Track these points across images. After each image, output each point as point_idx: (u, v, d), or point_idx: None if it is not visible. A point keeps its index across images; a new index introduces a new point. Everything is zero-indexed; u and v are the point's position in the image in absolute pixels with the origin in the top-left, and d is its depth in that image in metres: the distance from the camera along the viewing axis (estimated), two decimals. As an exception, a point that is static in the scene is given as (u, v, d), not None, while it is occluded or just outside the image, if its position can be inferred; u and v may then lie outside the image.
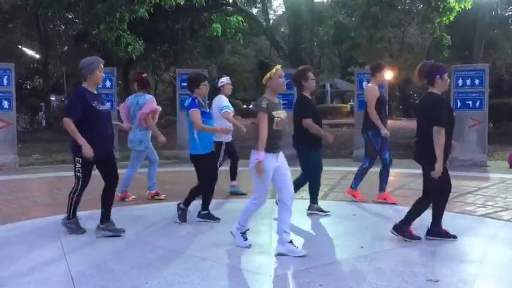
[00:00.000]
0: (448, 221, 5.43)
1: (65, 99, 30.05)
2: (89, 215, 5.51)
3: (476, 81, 10.59)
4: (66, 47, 28.81)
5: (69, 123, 4.66)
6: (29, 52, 28.80)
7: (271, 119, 4.27)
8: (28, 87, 31.95)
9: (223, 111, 6.69)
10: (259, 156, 4.19)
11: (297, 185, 5.60)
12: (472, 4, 13.93)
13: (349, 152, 12.21)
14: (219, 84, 6.99)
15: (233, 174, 7.30)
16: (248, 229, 4.64)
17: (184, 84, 11.77)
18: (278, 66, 4.38)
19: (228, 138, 6.78)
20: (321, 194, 6.79)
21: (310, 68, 5.93)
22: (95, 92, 4.90)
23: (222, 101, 6.83)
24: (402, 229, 4.73)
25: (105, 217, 4.99)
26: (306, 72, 5.70)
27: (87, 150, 4.64)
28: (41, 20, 24.95)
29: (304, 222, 5.57)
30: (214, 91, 7.05)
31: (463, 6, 13.44)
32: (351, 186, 6.70)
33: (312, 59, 16.07)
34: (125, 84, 24.34)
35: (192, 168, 5.56)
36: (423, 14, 19.22)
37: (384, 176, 6.52)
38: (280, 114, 4.36)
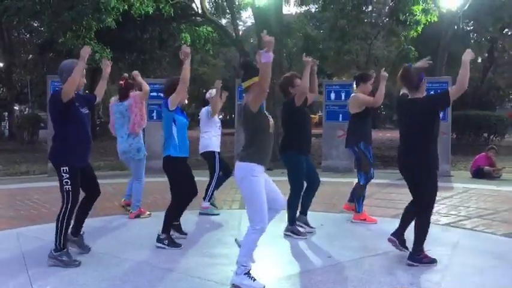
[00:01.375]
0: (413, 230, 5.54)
1: (29, 109, 29.39)
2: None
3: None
4: (30, 56, 28.23)
5: (70, 79, 4.23)
6: (-8, 60, 28.07)
7: (266, 120, 3.87)
8: (-10, 96, 31.16)
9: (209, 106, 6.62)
10: (266, 55, 3.58)
11: (291, 204, 5.35)
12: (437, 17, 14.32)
13: (317, 162, 12.30)
14: (207, 96, 6.79)
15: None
16: (250, 268, 3.82)
17: (153, 94, 11.69)
18: None
19: (216, 147, 6.61)
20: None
21: (297, 74, 5.54)
22: (73, 95, 4.42)
23: (205, 110, 6.73)
24: (418, 257, 4.39)
25: (76, 231, 4.69)
26: (293, 79, 5.40)
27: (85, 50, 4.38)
28: (5, 28, 24.39)
29: (273, 232, 5.56)
30: (204, 103, 6.87)
31: (429, 19, 13.78)
32: (356, 211, 6.18)
33: (281, 70, 16.15)
34: (91, 93, 23.99)
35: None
36: (389, 27, 19.68)
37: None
38: (270, 117, 3.95)
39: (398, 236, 4.68)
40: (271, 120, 3.93)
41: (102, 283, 3.91)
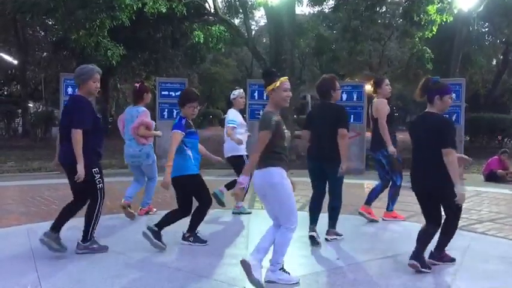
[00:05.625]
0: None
1: (42, 107, 29.67)
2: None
3: (453, 96, 10.73)
4: (45, 53, 28.45)
5: (79, 136, 4.36)
6: (7, 58, 28.36)
7: (282, 137, 3.91)
8: (5, 93, 31.46)
9: (228, 125, 6.41)
10: (242, 180, 3.79)
11: (333, 208, 5.34)
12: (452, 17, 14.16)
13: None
14: (231, 97, 6.66)
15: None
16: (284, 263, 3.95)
17: (165, 93, 11.73)
18: (284, 79, 3.97)
19: (243, 150, 6.47)
20: (299, 205, 6.77)
21: (336, 77, 5.43)
22: (90, 100, 4.74)
23: (229, 115, 6.55)
24: (439, 256, 4.42)
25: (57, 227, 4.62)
26: (335, 83, 5.25)
27: (82, 171, 4.37)
28: (20, 26, 24.61)
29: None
30: (228, 104, 6.78)
31: (444, 19, 13.63)
32: (387, 209, 6.33)
33: (293, 70, 16.11)
34: (104, 92, 24.10)
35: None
36: (402, 28, 19.52)
37: (377, 193, 6.36)
38: (285, 129, 4.03)
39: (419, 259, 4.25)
40: (288, 134, 4.03)
41: (109, 280, 3.92)
